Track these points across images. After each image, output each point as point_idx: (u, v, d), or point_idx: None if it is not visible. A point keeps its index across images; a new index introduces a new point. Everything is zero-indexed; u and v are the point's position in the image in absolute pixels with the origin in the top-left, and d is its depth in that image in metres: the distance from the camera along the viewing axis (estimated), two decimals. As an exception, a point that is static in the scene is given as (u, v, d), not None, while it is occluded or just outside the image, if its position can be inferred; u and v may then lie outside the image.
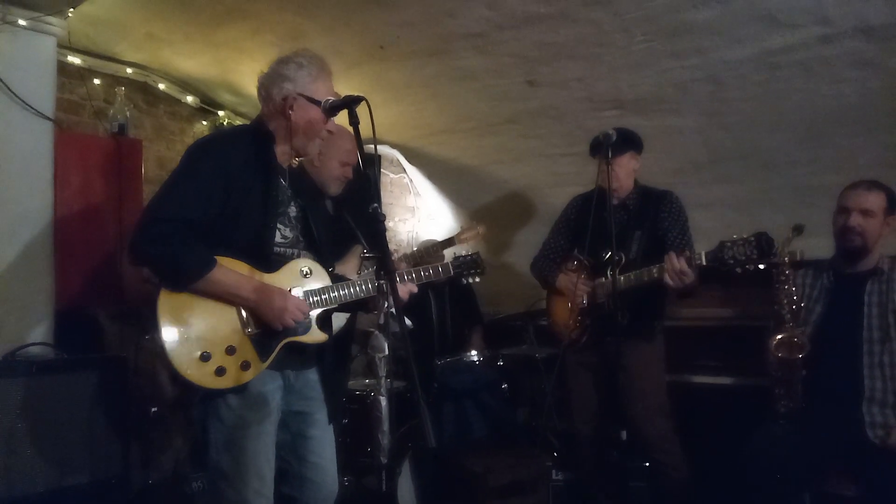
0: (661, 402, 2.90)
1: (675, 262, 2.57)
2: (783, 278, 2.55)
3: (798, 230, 2.52)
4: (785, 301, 2.54)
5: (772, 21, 2.63)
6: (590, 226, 2.77)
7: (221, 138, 2.19)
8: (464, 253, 2.51)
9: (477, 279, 2.47)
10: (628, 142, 2.94)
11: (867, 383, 2.41)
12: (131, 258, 1.90)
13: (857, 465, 2.36)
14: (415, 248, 3.95)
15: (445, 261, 2.48)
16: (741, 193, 3.55)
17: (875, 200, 2.49)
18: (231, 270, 1.90)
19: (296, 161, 2.18)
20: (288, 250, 2.05)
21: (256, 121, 2.13)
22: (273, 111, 2.06)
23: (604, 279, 2.87)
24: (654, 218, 2.94)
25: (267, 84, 2.06)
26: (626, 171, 2.96)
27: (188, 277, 1.85)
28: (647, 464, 3.11)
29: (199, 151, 2.00)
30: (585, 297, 2.94)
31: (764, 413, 2.62)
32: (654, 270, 2.66)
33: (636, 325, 2.86)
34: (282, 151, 2.08)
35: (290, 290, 1.99)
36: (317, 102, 2.02)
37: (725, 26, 2.71)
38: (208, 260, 1.86)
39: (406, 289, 2.19)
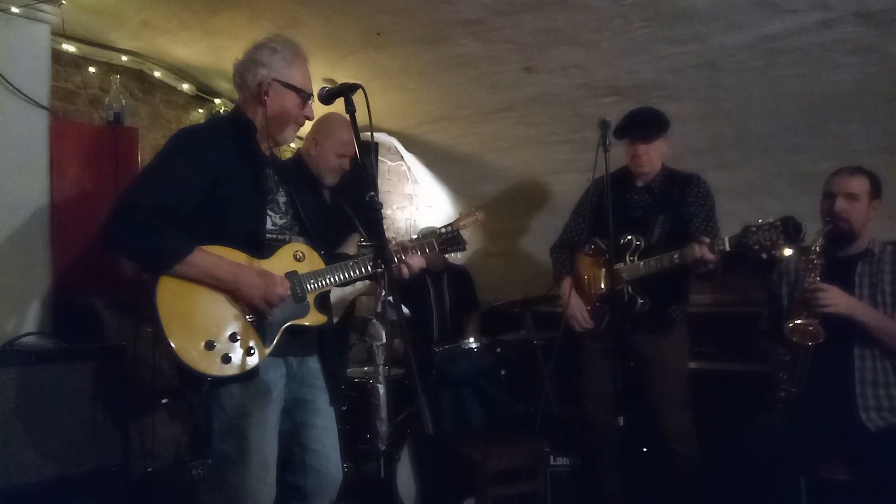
0: (683, 394, 2.86)
1: (698, 251, 2.49)
2: (811, 266, 2.51)
3: None
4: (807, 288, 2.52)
5: (771, 6, 2.62)
6: (585, 209, 2.65)
7: (202, 130, 2.15)
8: (442, 229, 2.41)
9: (459, 254, 2.44)
10: (663, 125, 2.89)
11: (857, 363, 2.43)
12: (103, 244, 1.83)
13: (852, 448, 2.37)
14: (415, 237, 3.95)
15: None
16: (739, 180, 3.54)
17: (859, 185, 2.50)
18: (210, 253, 1.87)
19: (276, 149, 2.17)
20: (280, 236, 2.05)
21: (234, 110, 2.11)
22: (249, 98, 2.05)
23: (623, 264, 2.79)
24: (679, 202, 2.87)
25: (241, 71, 2.04)
26: (657, 155, 2.91)
27: (166, 260, 1.81)
28: (645, 449, 3.13)
29: (180, 142, 1.98)
30: (603, 283, 2.87)
31: (760, 399, 2.63)
32: (676, 256, 2.60)
33: (656, 315, 2.82)
34: (262, 139, 2.07)
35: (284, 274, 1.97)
36: (292, 87, 2.01)
37: (724, 11, 2.69)
38: (185, 243, 1.83)
39: (417, 262, 2.21)
